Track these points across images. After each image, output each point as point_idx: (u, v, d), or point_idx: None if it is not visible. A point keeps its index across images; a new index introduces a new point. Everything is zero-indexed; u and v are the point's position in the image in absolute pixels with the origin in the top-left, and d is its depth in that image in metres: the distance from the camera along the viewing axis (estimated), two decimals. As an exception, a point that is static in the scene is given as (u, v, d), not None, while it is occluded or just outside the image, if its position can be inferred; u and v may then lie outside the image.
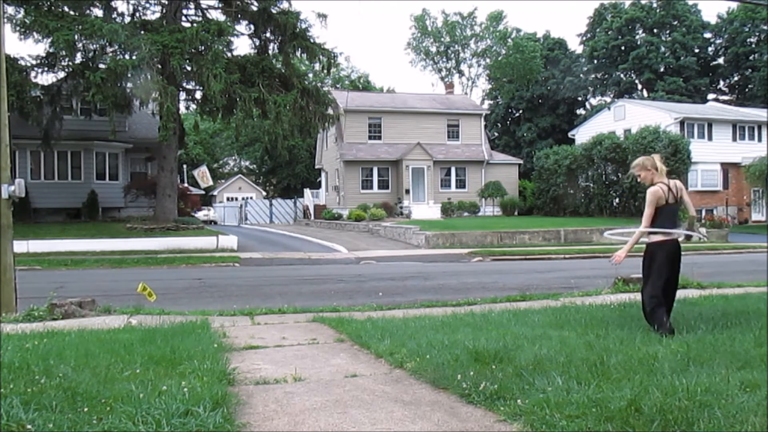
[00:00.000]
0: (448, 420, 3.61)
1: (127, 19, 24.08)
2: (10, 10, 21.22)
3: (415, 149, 34.21)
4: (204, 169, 41.98)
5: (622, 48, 56.00)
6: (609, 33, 56.42)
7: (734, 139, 38.11)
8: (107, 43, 22.25)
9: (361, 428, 3.49)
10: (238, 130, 28.02)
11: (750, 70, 54.29)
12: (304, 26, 24.89)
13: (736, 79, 57.56)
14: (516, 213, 35.89)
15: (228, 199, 58.00)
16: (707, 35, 57.27)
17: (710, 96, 56.03)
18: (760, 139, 38.43)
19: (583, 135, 41.17)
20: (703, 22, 56.51)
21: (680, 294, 8.62)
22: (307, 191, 43.42)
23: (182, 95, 26.22)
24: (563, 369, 4.28)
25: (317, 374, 4.73)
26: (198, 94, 26.22)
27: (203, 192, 45.73)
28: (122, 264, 17.65)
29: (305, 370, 4.80)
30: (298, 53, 25.44)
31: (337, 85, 54.82)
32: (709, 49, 57.64)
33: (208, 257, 19.28)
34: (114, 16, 23.68)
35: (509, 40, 57.66)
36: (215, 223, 43.20)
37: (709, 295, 8.62)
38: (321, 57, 25.11)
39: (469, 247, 22.65)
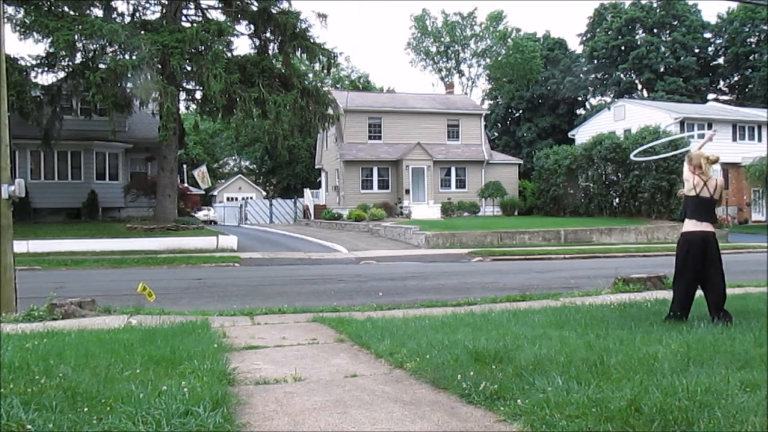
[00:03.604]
0: (448, 420, 3.60)
1: (127, 19, 24.08)
2: (10, 10, 21.21)
3: (415, 149, 34.20)
4: (204, 169, 41.98)
5: (622, 48, 55.99)
6: (609, 33, 56.40)
7: (734, 139, 38.11)
8: (107, 43, 22.25)
9: (361, 428, 3.49)
10: (238, 130, 28.02)
11: (750, 70, 54.27)
12: (304, 26, 24.91)
13: (736, 79, 57.54)
14: (516, 213, 35.87)
15: (228, 199, 57.98)
16: (707, 35, 57.24)
17: (710, 96, 56.01)
18: (760, 139, 38.43)
19: (583, 135, 41.17)
20: (703, 22, 56.48)
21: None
22: (307, 191, 43.40)
23: (182, 95, 26.22)
24: (563, 369, 4.28)
25: (317, 374, 4.73)
26: (198, 94, 26.24)
27: (203, 192, 45.73)
28: (122, 264, 17.65)
29: (305, 370, 4.80)
30: (298, 53, 25.45)
31: (337, 85, 54.82)
32: (709, 49, 57.62)
33: (208, 257, 19.28)
34: (114, 16, 23.69)
35: (509, 40, 57.66)
36: (215, 223, 43.20)
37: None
38: (321, 57, 25.12)
39: (469, 247, 22.64)
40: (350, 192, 34.69)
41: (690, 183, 6.28)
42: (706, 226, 6.27)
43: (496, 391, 3.89)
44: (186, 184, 38.98)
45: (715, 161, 6.39)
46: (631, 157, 7.17)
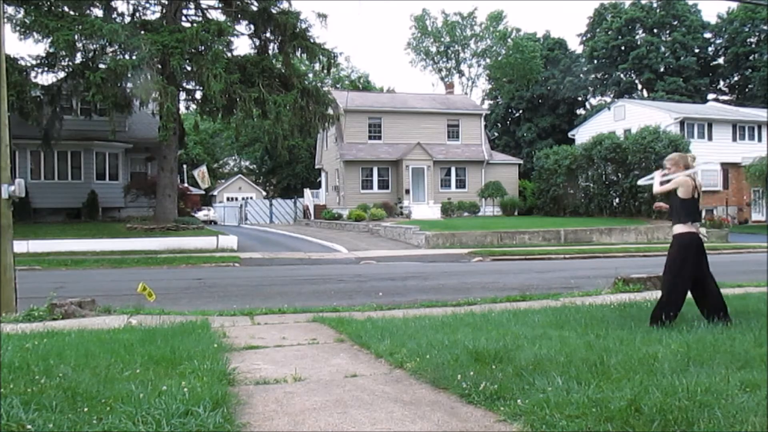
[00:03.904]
0: (448, 420, 3.60)
1: (127, 19, 24.08)
2: (10, 10, 21.21)
3: (415, 149, 34.21)
4: (204, 169, 41.98)
5: (622, 48, 56.00)
6: (609, 33, 56.41)
7: (734, 139, 38.12)
8: (107, 43, 22.25)
9: (361, 428, 3.49)
10: (238, 130, 28.02)
11: (750, 70, 54.28)
12: (304, 26, 24.91)
13: (736, 79, 57.55)
14: (516, 213, 35.88)
15: (228, 199, 57.98)
16: (707, 35, 57.26)
17: (710, 96, 56.02)
18: (760, 139, 38.44)
19: (583, 135, 41.17)
20: (703, 22, 56.50)
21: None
22: (307, 191, 43.41)
23: (182, 95, 26.21)
24: (563, 369, 4.28)
25: (317, 374, 4.73)
26: (198, 94, 26.24)
27: (203, 192, 45.74)
28: (122, 264, 17.65)
29: (305, 370, 4.80)
30: (298, 53, 25.45)
31: (337, 85, 54.83)
32: (709, 49, 57.63)
33: (208, 257, 19.27)
34: (114, 16, 23.68)
35: (509, 40, 57.68)
36: (215, 223, 43.20)
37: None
38: (321, 57, 25.12)
39: (469, 247, 22.64)
40: (350, 192, 34.69)
41: (690, 185, 6.28)
42: (697, 228, 6.32)
43: (496, 391, 3.89)
44: (186, 184, 38.98)
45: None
46: (640, 183, 7.20)
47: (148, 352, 5.02)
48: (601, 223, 28.26)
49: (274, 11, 24.63)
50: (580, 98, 59.47)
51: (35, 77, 23.34)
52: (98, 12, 23.51)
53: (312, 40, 24.86)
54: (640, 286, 9.50)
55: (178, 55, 21.47)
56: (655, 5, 55.91)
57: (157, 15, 24.92)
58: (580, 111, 58.63)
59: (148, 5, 25.18)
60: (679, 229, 6.30)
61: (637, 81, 57.19)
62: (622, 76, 56.76)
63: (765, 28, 52.58)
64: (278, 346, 5.85)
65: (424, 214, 32.41)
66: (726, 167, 37.51)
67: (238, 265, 18.09)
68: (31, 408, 3.46)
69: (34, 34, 21.27)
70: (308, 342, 6.03)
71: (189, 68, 22.85)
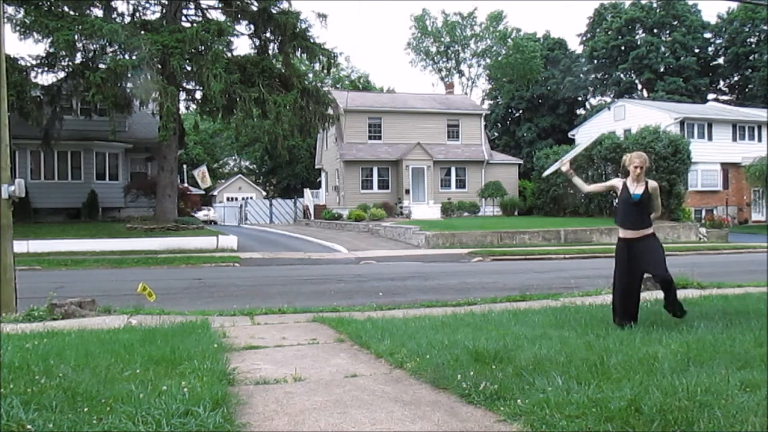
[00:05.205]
0: (448, 420, 3.60)
1: (127, 19, 24.08)
2: (10, 10, 21.20)
3: (415, 149, 34.21)
4: (204, 169, 41.95)
5: (622, 48, 56.01)
6: (609, 33, 56.42)
7: (734, 139, 38.13)
8: (107, 43, 22.24)
9: (361, 428, 3.49)
10: (238, 130, 27.99)
11: (750, 70, 54.29)
12: (304, 26, 24.93)
13: (736, 79, 57.57)
14: (516, 213, 35.87)
15: (228, 199, 57.99)
16: (707, 35, 57.27)
17: (710, 96, 56.03)
18: (760, 139, 38.45)
19: (583, 135, 41.17)
20: (703, 22, 56.51)
21: (680, 294, 8.62)
22: (307, 191, 43.41)
23: (182, 95, 26.20)
24: (563, 369, 4.28)
25: (317, 374, 4.73)
26: (198, 94, 26.23)
27: (203, 192, 45.72)
28: (122, 264, 17.64)
29: (305, 370, 4.80)
30: (298, 53, 25.45)
31: (337, 85, 54.83)
32: (709, 49, 57.64)
33: (208, 257, 19.27)
34: (114, 16, 23.67)
35: (509, 40, 57.69)
36: (215, 223, 43.20)
37: (709, 295, 8.62)
38: (321, 57, 25.12)
39: (469, 247, 22.64)
40: (350, 192, 34.69)
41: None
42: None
43: (496, 391, 3.89)
44: (186, 184, 38.98)
45: None
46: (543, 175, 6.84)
47: (148, 352, 5.02)
48: (601, 223, 28.25)
49: (274, 11, 24.62)
50: (580, 98, 59.48)
51: (35, 77, 23.33)
52: (98, 12, 23.50)
53: (312, 40, 24.86)
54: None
55: (178, 55, 21.47)
56: (655, 5, 55.92)
57: (157, 15, 24.92)
58: (580, 111, 58.64)
59: (148, 5, 25.19)
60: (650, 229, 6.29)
61: (637, 81, 57.19)
62: (622, 76, 56.77)
63: (765, 28, 52.58)
64: (278, 346, 5.85)
65: (424, 214, 32.40)
66: (726, 167, 37.52)
67: (238, 265, 18.09)
68: (31, 408, 3.45)
69: (34, 34, 21.26)
70: (308, 342, 6.03)
71: (189, 68, 22.83)
